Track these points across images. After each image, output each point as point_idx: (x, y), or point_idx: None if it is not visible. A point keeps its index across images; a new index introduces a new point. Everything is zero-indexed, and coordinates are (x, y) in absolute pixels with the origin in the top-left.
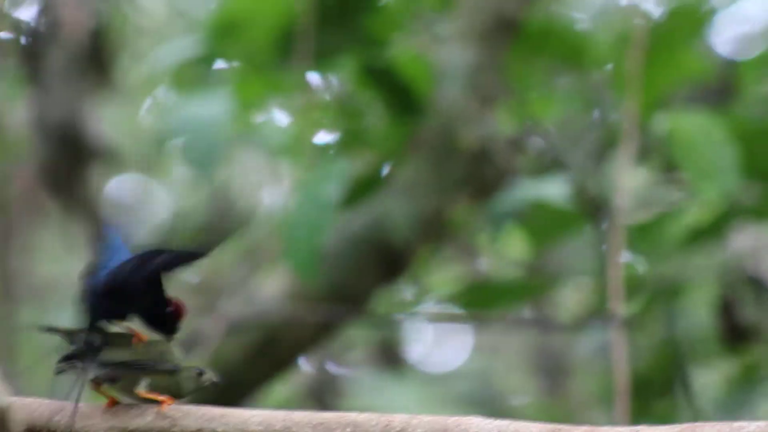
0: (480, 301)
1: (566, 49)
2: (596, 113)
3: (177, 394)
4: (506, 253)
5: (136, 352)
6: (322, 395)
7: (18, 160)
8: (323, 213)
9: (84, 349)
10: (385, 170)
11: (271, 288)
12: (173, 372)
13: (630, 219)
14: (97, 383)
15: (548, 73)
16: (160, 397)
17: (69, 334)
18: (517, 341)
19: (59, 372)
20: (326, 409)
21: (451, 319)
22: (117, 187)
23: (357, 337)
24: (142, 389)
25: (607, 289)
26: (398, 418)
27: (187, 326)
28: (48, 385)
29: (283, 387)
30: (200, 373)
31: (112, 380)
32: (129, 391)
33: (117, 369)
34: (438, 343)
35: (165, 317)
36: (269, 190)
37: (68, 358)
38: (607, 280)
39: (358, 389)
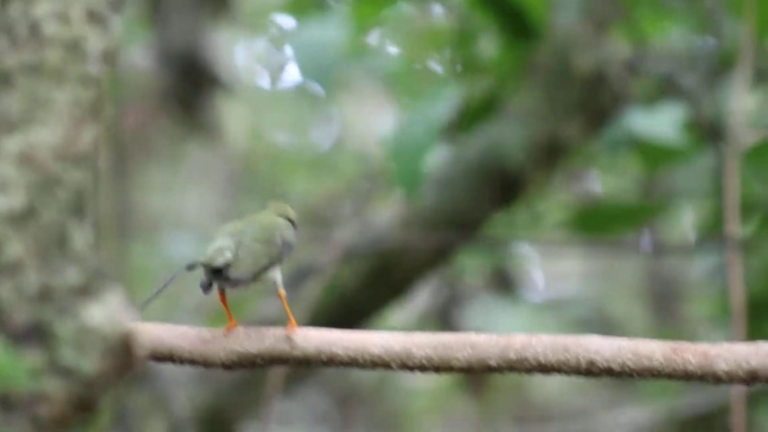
0: (593, 226)
1: None
2: (710, 35)
3: None
4: (620, 177)
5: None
6: (444, 316)
7: (131, 98)
8: (429, 132)
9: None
10: (500, 96)
11: (385, 215)
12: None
13: (746, 141)
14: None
15: None
16: (291, 317)
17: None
18: (629, 266)
19: (204, 286)
20: (447, 331)
21: (564, 244)
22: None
23: (471, 262)
24: (280, 286)
25: (722, 211)
26: (518, 338)
27: (303, 255)
28: (164, 314)
29: (399, 312)
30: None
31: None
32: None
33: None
34: (550, 269)
35: None
36: (381, 116)
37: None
38: (722, 202)
39: (472, 314)
